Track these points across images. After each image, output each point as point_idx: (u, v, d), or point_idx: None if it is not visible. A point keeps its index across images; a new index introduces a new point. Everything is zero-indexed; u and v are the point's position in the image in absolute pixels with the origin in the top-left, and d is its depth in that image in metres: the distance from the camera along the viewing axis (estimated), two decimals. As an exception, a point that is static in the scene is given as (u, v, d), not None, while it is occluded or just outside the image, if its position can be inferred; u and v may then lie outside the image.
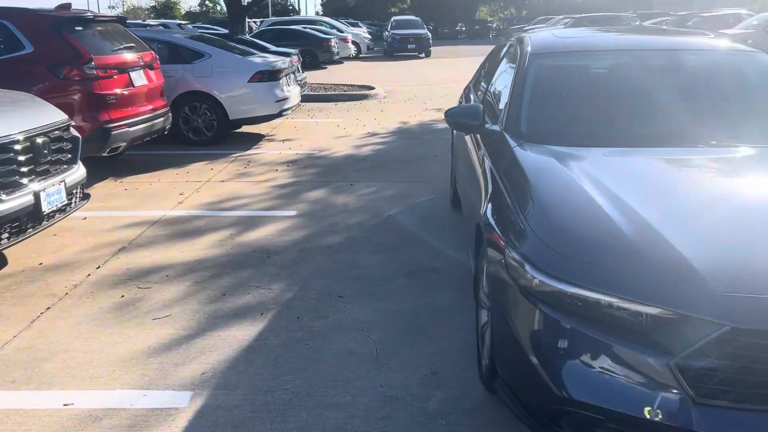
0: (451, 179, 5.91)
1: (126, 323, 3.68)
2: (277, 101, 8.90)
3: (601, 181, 2.61)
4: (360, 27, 36.79)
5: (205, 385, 3.05)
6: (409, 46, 28.38)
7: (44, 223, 4.31)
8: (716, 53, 3.83)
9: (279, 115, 9.07)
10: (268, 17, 38.62)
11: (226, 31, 15.41)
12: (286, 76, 9.26)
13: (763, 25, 17.94)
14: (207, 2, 69.51)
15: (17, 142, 4.07)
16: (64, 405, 2.90)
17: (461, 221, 3.99)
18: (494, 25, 54.92)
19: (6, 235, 3.97)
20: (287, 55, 12.93)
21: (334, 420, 2.79)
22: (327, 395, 2.97)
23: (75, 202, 4.75)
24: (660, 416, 1.97)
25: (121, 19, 7.33)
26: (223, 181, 6.91)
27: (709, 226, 2.32)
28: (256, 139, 9.37)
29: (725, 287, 2.00)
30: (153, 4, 70.96)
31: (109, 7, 73.46)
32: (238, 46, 9.80)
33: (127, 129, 6.59)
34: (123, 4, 77.67)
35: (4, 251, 4.49)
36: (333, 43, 23.63)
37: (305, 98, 12.20)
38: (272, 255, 4.71)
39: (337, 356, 3.30)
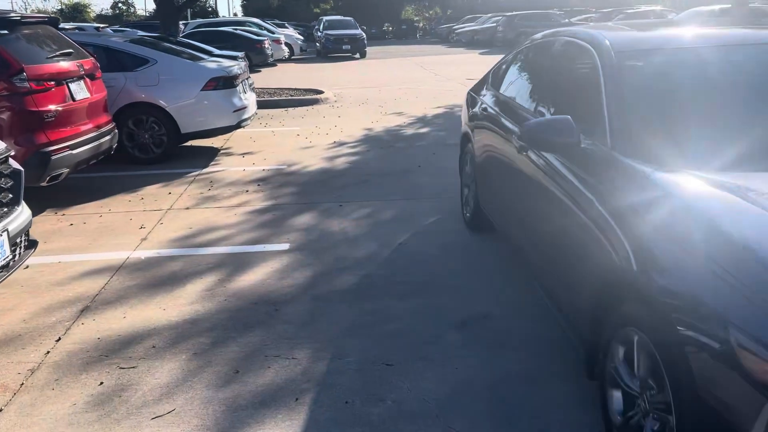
0: (466, 198, 5.15)
1: (115, 427, 2.71)
2: (235, 111, 7.89)
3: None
4: (287, 28, 35.59)
5: None
6: (344, 47, 27.49)
7: (-17, 288, 3.26)
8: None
9: (238, 126, 8.06)
10: (187, 19, 36.78)
11: (157, 35, 14.07)
12: (242, 82, 8.26)
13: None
14: (120, 5, 65.95)
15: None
16: None
17: (541, 272, 3.20)
18: (420, 25, 54.77)
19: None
20: (234, 58, 11.89)
21: None
22: None
23: (19, 253, 3.70)
24: None
25: (53, 21, 6.16)
26: (188, 208, 5.89)
27: None
28: (211, 153, 8.32)
29: None
30: (60, 7, 66.59)
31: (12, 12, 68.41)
32: (185, 50, 8.70)
33: (70, 152, 5.49)
34: (26, 8, 72.51)
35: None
36: (267, 45, 22.47)
37: (254, 105, 11.17)
38: (280, 307, 3.81)
39: (421, 461, 2.48)
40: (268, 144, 8.88)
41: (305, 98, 13.11)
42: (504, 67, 4.65)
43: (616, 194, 2.43)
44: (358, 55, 28.03)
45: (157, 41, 8.79)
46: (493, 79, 4.78)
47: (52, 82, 5.43)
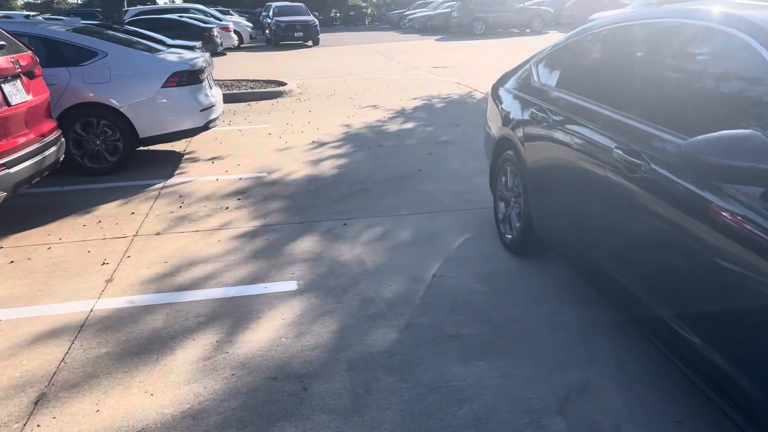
0: (506, 216, 4.29)
1: None
2: (202, 110, 6.80)
3: None
4: (232, 15, 33.94)
5: None
6: (296, 34, 26.22)
7: None
8: None
9: (205, 128, 6.96)
10: (125, 6, 34.73)
11: (101, 23, 12.68)
12: (207, 76, 7.17)
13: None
14: (50, -9, 62.33)
15: None
16: None
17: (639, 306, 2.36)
18: (369, 11, 53.56)
19: None
20: (190, 48, 10.75)
21: None
22: None
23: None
24: None
25: (-23, 6, 4.98)
26: (158, 233, 4.84)
27: None
28: (174, 159, 7.22)
29: None
30: (-21, -7, 62.35)
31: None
32: (139, 40, 7.52)
33: (7, 171, 4.36)
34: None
35: None
36: (216, 33, 21.09)
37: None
38: (309, 384, 2.86)
39: None
40: (237, 146, 7.81)
41: (267, 90, 11.99)
42: (564, 59, 3.76)
43: None
44: (311, 43, 26.86)
45: (102, 30, 7.59)
46: (543, 74, 3.90)
47: (-20, 84, 4.30)
